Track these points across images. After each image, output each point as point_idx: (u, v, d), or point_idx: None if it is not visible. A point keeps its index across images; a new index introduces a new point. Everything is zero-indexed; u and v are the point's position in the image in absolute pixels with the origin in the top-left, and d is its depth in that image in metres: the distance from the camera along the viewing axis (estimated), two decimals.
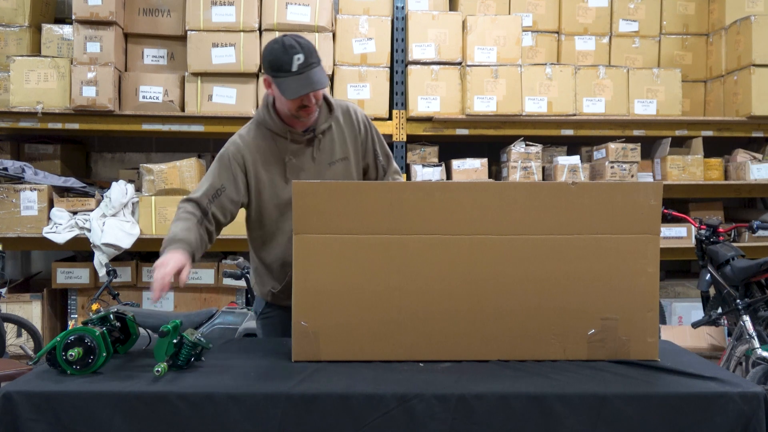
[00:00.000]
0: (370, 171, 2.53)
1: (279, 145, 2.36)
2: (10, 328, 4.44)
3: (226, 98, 4.79)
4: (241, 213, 2.46)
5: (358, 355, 1.99)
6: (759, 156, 5.19)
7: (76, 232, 4.58)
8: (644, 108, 5.09)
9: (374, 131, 2.52)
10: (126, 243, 4.50)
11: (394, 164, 2.60)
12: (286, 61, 2.20)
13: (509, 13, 5.11)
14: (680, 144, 5.37)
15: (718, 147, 5.35)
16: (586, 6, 5.26)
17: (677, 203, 5.24)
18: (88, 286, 4.75)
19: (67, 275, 4.77)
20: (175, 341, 1.89)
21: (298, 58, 2.19)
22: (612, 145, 4.87)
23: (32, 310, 4.75)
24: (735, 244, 4.35)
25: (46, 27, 4.86)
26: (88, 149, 5.57)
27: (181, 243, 2.15)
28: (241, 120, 4.79)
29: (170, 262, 2.06)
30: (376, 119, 4.86)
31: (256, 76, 4.79)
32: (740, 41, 5.07)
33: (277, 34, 4.68)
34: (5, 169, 4.62)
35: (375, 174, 2.54)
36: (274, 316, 2.49)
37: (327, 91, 2.43)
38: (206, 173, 2.39)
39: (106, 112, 4.67)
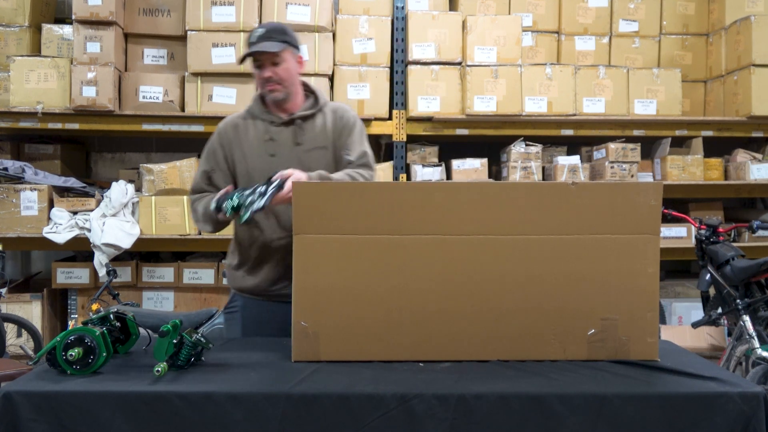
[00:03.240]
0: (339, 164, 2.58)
1: (260, 126, 2.56)
2: (10, 328, 4.44)
3: (226, 98, 4.79)
4: None
5: (358, 355, 1.99)
6: (759, 156, 5.18)
7: (76, 232, 4.57)
8: (644, 108, 5.09)
9: (356, 129, 2.59)
10: (126, 243, 4.50)
11: (368, 169, 2.55)
12: (252, 33, 2.50)
13: (509, 13, 5.11)
14: (680, 144, 5.36)
15: (718, 147, 5.35)
16: (586, 6, 5.26)
17: (677, 203, 5.23)
18: (88, 286, 4.75)
19: (67, 275, 4.77)
20: (175, 341, 1.89)
21: (259, 31, 2.48)
22: (612, 145, 4.87)
23: (32, 310, 4.75)
24: (735, 244, 4.35)
25: (46, 27, 4.85)
26: (88, 149, 5.57)
27: None
28: None
29: None
30: (376, 119, 4.86)
31: None
32: (740, 41, 5.07)
33: None
34: (5, 169, 4.62)
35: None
36: (237, 309, 2.60)
37: (323, 91, 2.65)
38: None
39: (106, 112, 4.66)
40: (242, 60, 2.54)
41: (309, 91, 2.64)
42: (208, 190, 2.52)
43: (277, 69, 2.48)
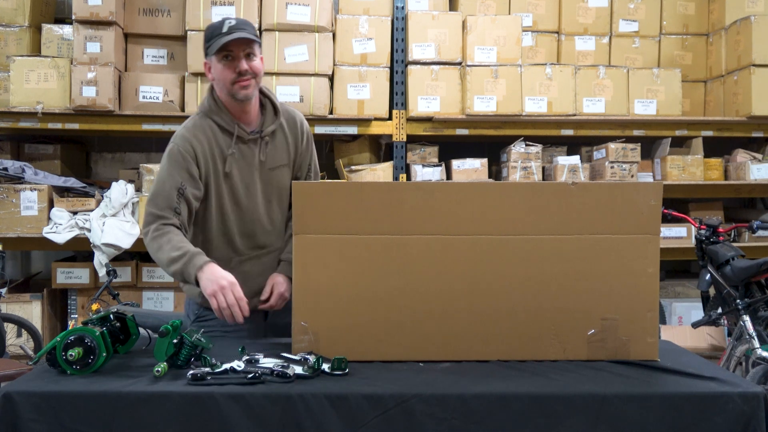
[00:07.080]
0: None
1: (225, 141, 2.36)
2: (10, 328, 4.44)
3: None
4: None
5: (358, 355, 1.99)
6: (759, 156, 5.19)
7: (76, 232, 4.57)
8: (644, 108, 5.09)
9: (313, 147, 2.56)
10: (126, 243, 4.50)
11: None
12: (217, 26, 2.29)
13: (509, 13, 5.11)
14: (680, 144, 5.37)
15: (718, 147, 5.35)
16: (586, 6, 5.26)
17: (677, 203, 5.24)
18: (88, 286, 4.75)
19: (67, 275, 4.77)
20: (175, 341, 1.89)
21: (230, 22, 2.28)
22: (612, 145, 4.87)
23: (32, 310, 4.75)
24: (735, 244, 4.35)
25: (46, 27, 4.85)
26: (88, 149, 5.57)
27: (202, 254, 2.19)
28: None
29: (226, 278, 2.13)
30: (376, 119, 4.86)
31: None
32: (740, 41, 5.07)
33: (277, 34, 4.75)
34: (5, 169, 4.62)
35: None
36: (213, 322, 2.36)
37: (275, 96, 2.46)
38: (158, 175, 2.34)
39: (106, 112, 4.67)
40: (212, 51, 2.28)
41: (262, 94, 2.44)
42: (177, 206, 2.26)
43: (251, 62, 2.30)
